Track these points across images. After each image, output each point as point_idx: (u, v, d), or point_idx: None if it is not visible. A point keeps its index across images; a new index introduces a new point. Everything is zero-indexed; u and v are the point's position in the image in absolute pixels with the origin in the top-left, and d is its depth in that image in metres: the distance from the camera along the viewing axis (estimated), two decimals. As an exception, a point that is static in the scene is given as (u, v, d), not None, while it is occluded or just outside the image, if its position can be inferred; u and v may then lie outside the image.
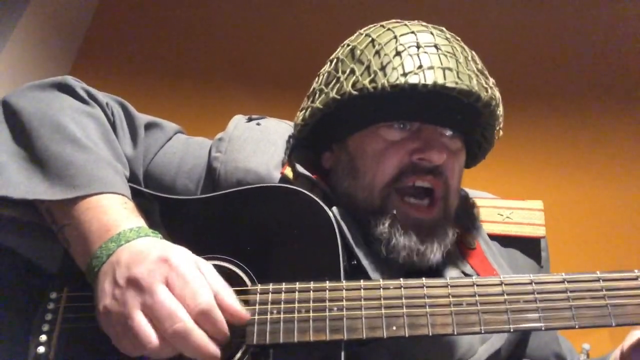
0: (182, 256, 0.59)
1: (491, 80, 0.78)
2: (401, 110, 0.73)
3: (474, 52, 0.79)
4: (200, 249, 0.64)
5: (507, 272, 0.77)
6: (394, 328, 0.59)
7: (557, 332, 0.87)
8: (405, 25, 0.78)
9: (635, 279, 0.60)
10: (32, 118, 0.70)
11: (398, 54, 0.73)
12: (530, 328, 0.60)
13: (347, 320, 0.60)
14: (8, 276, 0.69)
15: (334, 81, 0.77)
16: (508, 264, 0.81)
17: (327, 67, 0.82)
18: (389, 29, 0.77)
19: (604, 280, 0.60)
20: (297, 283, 0.63)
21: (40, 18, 2.09)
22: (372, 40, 0.76)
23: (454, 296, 0.61)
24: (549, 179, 2.03)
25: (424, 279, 0.62)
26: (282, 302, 0.62)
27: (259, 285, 0.64)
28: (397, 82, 0.70)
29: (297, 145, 0.83)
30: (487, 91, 0.74)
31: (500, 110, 0.78)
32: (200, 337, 0.55)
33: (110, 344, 0.59)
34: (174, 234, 0.67)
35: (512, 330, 0.59)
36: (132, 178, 0.77)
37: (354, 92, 0.73)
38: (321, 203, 0.68)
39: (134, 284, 0.56)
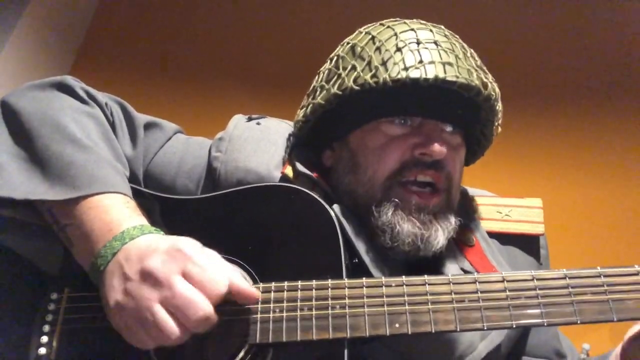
0: (192, 245, 0.59)
1: (490, 76, 0.78)
2: (402, 105, 0.73)
3: (472, 50, 0.80)
4: (201, 248, 0.64)
5: (506, 269, 0.78)
6: (397, 325, 0.60)
7: (558, 330, 0.88)
8: (405, 23, 0.78)
9: (636, 274, 0.60)
10: (32, 118, 0.70)
11: (399, 49, 0.73)
12: (532, 324, 0.60)
13: (350, 318, 0.60)
14: (8, 277, 0.69)
15: (335, 78, 0.77)
16: (507, 261, 0.81)
17: (327, 65, 0.82)
18: (388, 27, 0.77)
19: (605, 275, 0.60)
20: (299, 282, 0.63)
21: (40, 18, 2.09)
22: (373, 38, 0.77)
23: (456, 293, 0.61)
24: (548, 177, 2.03)
25: (425, 276, 0.62)
26: (285, 301, 0.62)
27: (261, 284, 0.64)
28: (399, 76, 0.71)
29: (298, 144, 0.83)
30: (486, 86, 0.74)
31: (499, 106, 0.79)
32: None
33: (111, 345, 0.59)
34: (174, 234, 0.67)
35: (514, 326, 0.59)
36: (132, 178, 0.77)
37: (356, 87, 0.73)
38: (322, 201, 0.68)
39: (149, 277, 0.57)
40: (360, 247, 0.70)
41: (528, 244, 0.85)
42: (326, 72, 0.81)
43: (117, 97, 0.83)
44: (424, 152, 0.72)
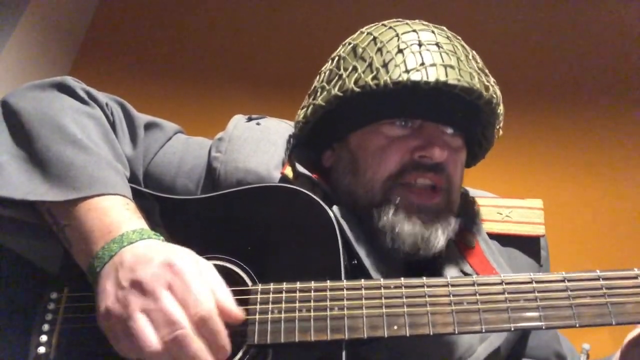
0: (185, 260, 0.58)
1: (492, 79, 0.78)
2: (403, 107, 0.73)
3: (474, 52, 0.80)
4: (200, 249, 0.64)
5: (507, 271, 0.77)
6: (395, 327, 0.59)
7: (557, 332, 0.87)
8: (407, 24, 0.78)
9: (635, 277, 0.60)
10: (32, 118, 0.70)
11: (400, 51, 0.73)
12: (531, 327, 0.60)
13: (348, 319, 0.60)
14: (8, 276, 0.69)
15: (336, 78, 0.77)
16: (507, 263, 0.81)
17: (328, 65, 0.82)
18: (390, 28, 0.77)
19: (604, 279, 0.60)
20: (298, 283, 0.63)
21: (40, 18, 2.09)
22: (374, 38, 0.76)
23: (454, 295, 0.61)
24: (549, 178, 2.03)
25: (424, 278, 0.62)
26: (283, 302, 0.62)
27: (260, 285, 0.64)
28: (400, 79, 0.70)
29: (298, 144, 0.83)
30: (488, 89, 0.74)
31: (500, 109, 0.79)
32: (199, 347, 0.55)
33: (110, 344, 0.59)
34: (174, 234, 0.67)
35: (513, 329, 0.59)
36: (132, 178, 0.77)
37: (357, 89, 0.73)
38: (321, 202, 0.68)
39: (138, 286, 0.56)
40: (360, 248, 0.69)
41: (528, 245, 0.85)
42: (327, 72, 0.81)
43: (118, 97, 0.83)
44: (423, 155, 0.72)
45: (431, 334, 0.59)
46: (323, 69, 0.83)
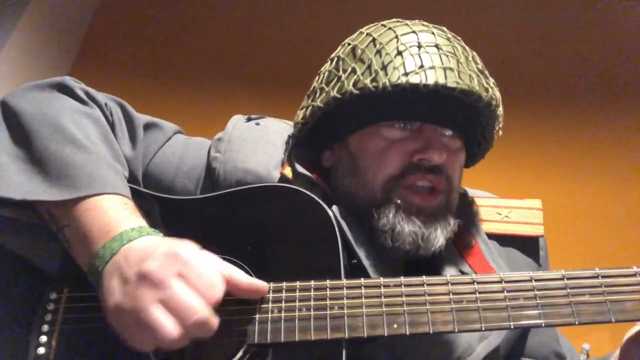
0: (190, 250, 0.59)
1: (491, 81, 0.78)
2: (402, 109, 0.73)
3: (474, 53, 0.79)
4: (200, 248, 0.64)
5: (506, 271, 0.77)
6: (395, 326, 0.60)
7: (557, 331, 0.88)
8: (407, 24, 0.78)
9: (634, 275, 0.61)
10: (31, 119, 0.70)
11: (399, 53, 0.73)
12: (530, 325, 0.60)
13: (348, 318, 0.60)
14: (8, 277, 0.69)
15: (335, 80, 0.77)
16: (506, 263, 0.81)
17: (327, 66, 0.82)
18: (390, 28, 0.77)
19: (603, 276, 0.60)
20: (298, 282, 0.63)
21: (40, 18, 2.09)
22: (373, 40, 0.76)
23: (454, 293, 0.61)
24: (548, 178, 2.03)
25: (424, 276, 0.62)
26: (283, 301, 0.62)
27: (259, 284, 0.64)
28: (399, 81, 0.70)
29: (297, 144, 0.83)
30: (487, 91, 0.74)
31: (500, 111, 0.79)
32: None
33: (110, 345, 0.59)
34: (174, 234, 0.67)
35: (512, 327, 0.59)
36: (131, 178, 0.77)
37: (355, 92, 0.73)
38: (321, 202, 0.68)
39: (147, 279, 0.56)
40: (359, 248, 0.70)
41: (527, 245, 0.85)
42: (326, 73, 0.81)
43: (117, 98, 0.83)
44: (422, 158, 0.72)
45: (431, 332, 0.59)
46: (322, 69, 0.83)
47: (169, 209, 0.74)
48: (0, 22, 1.95)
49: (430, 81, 0.70)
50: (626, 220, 1.94)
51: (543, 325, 0.59)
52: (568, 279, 0.61)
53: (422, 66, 0.71)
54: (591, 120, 2.09)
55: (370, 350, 0.66)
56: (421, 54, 0.72)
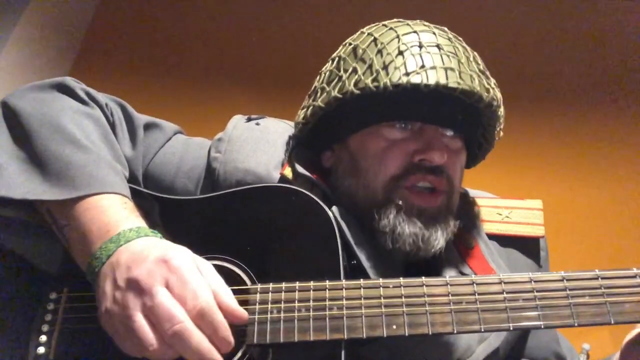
0: (181, 257, 0.59)
1: (492, 81, 0.78)
2: (403, 110, 0.73)
3: (475, 53, 0.79)
4: (200, 249, 0.64)
5: (506, 272, 0.77)
6: (394, 327, 0.59)
7: (557, 332, 0.87)
8: (408, 24, 0.78)
9: (634, 277, 0.60)
10: (31, 119, 0.70)
11: (400, 53, 0.73)
12: (529, 326, 0.60)
13: (347, 319, 0.60)
14: (8, 277, 0.69)
15: (336, 80, 0.77)
16: (507, 263, 0.81)
17: (328, 66, 0.82)
18: (391, 28, 0.77)
19: (603, 278, 0.60)
20: (297, 282, 0.63)
21: (40, 18, 2.09)
22: (375, 39, 0.76)
23: (453, 295, 0.61)
24: (548, 178, 2.03)
25: (423, 277, 0.62)
26: (282, 302, 0.62)
27: (259, 284, 0.64)
28: (400, 81, 0.70)
29: (297, 145, 0.83)
30: (488, 92, 0.74)
31: (501, 111, 0.79)
32: (200, 339, 0.55)
33: (110, 345, 0.59)
34: (173, 235, 0.67)
35: (511, 328, 0.59)
36: (132, 179, 0.77)
37: (356, 91, 0.73)
38: (321, 203, 0.68)
39: (134, 285, 0.56)
40: (359, 249, 0.69)
41: (528, 246, 0.85)
42: (327, 73, 0.81)
43: (118, 98, 0.83)
44: (423, 158, 0.72)
45: (430, 333, 0.59)
46: (323, 69, 0.83)
47: (169, 209, 0.74)
48: (0, 22, 1.95)
49: (432, 81, 0.70)
50: (626, 221, 1.93)
51: (542, 326, 0.59)
52: (567, 280, 0.61)
53: (423, 66, 0.71)
54: (591, 120, 2.09)
55: (370, 351, 0.66)
56: (422, 54, 0.72)
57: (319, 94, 0.79)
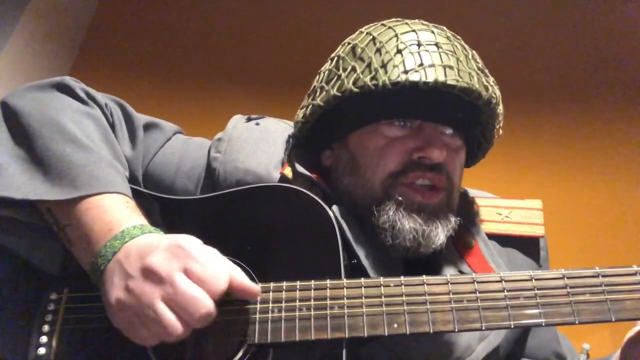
0: (192, 242, 0.59)
1: (491, 79, 0.78)
2: (402, 108, 0.73)
3: (474, 51, 0.80)
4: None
5: (505, 271, 0.77)
6: (395, 325, 0.60)
7: (557, 332, 0.88)
8: (406, 23, 0.78)
9: (634, 274, 0.61)
10: (31, 119, 0.70)
11: (399, 51, 0.73)
12: (530, 324, 0.60)
13: (348, 318, 0.60)
14: (8, 277, 0.69)
15: (335, 79, 0.77)
16: (507, 263, 0.81)
17: (327, 65, 0.82)
18: (389, 27, 0.77)
19: (603, 275, 0.61)
20: (298, 282, 0.63)
21: (40, 18, 2.09)
22: (373, 39, 0.76)
23: (454, 293, 0.61)
24: (548, 178, 2.03)
25: (424, 276, 0.62)
26: (283, 301, 0.62)
27: (260, 284, 0.64)
28: (398, 79, 0.70)
29: (297, 144, 0.83)
30: (487, 89, 0.74)
31: (500, 109, 0.79)
32: None
33: (110, 345, 0.59)
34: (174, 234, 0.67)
35: (512, 326, 0.59)
36: (132, 179, 0.77)
37: (355, 90, 0.73)
38: (321, 202, 0.68)
39: (150, 273, 0.57)
40: (359, 247, 0.69)
41: (528, 246, 0.85)
42: (326, 72, 0.81)
43: (117, 98, 0.83)
44: (422, 156, 0.72)
45: (431, 331, 0.59)
46: (322, 69, 0.83)
47: (169, 209, 0.74)
48: (0, 22, 1.95)
49: (430, 79, 0.70)
50: (626, 220, 1.93)
51: (543, 324, 0.59)
52: (568, 278, 0.61)
53: (421, 64, 0.71)
54: (591, 120, 2.09)
55: (371, 350, 0.66)
56: (421, 52, 0.72)
57: (318, 93, 0.79)
